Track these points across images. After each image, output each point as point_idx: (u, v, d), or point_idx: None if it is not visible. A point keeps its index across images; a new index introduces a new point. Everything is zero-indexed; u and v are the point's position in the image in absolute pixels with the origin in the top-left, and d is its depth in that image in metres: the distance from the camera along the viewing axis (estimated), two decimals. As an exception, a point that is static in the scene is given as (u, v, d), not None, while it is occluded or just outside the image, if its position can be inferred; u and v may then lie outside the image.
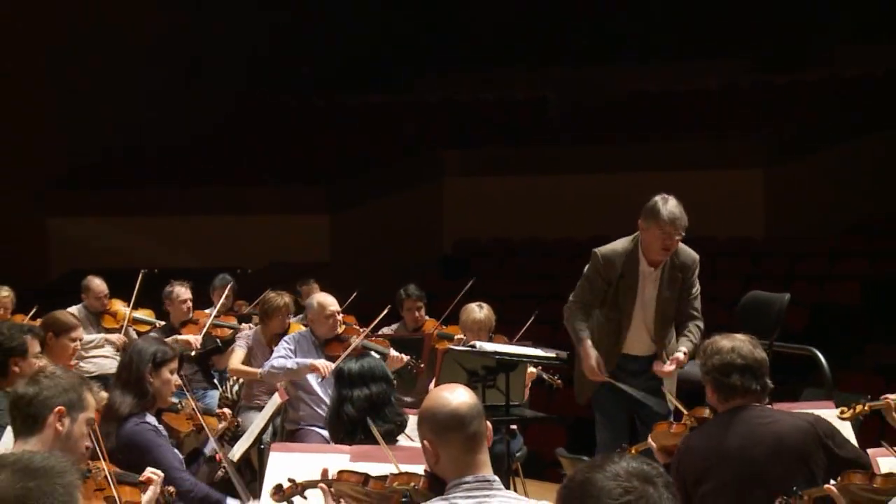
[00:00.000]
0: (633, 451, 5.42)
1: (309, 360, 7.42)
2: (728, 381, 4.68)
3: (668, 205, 6.91)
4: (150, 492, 4.35)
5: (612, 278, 7.06)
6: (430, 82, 21.14)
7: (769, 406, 4.81)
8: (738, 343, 4.72)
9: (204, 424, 5.99)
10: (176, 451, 5.68)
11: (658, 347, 6.93)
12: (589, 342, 6.95)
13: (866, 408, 5.39)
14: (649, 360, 7.05)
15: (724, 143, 16.94)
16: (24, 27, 17.97)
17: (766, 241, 16.19)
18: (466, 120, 20.09)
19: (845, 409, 5.38)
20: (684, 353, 6.84)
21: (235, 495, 5.82)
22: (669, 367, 6.84)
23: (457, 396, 3.75)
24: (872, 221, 16.16)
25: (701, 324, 7.10)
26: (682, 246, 7.13)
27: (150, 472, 4.45)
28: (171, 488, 4.77)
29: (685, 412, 5.43)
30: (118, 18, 18.95)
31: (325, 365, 7.36)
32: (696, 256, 7.21)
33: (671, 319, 7.12)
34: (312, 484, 4.21)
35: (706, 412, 5.14)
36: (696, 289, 7.17)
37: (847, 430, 5.16)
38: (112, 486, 4.23)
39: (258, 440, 6.69)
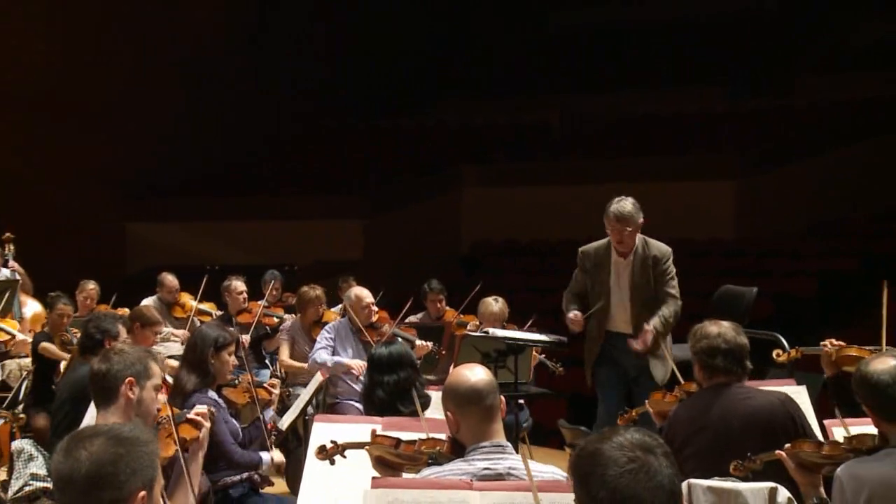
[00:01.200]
0: (633, 413, 5.64)
1: (346, 361, 7.47)
2: (713, 362, 4.68)
3: (619, 204, 7.11)
4: (205, 429, 4.39)
5: (588, 268, 7.27)
6: (452, 108, 21.15)
7: (747, 385, 4.78)
8: (723, 329, 4.72)
9: (256, 397, 6.00)
10: (234, 421, 5.69)
11: (636, 326, 7.04)
12: (572, 313, 7.19)
13: (798, 353, 5.40)
14: (633, 337, 7.15)
15: (701, 159, 16.95)
16: (114, 58, 18.04)
17: (737, 241, 16.20)
18: (482, 140, 20.12)
19: (780, 352, 5.41)
20: (652, 327, 6.96)
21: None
22: (639, 343, 6.97)
23: (475, 374, 3.81)
24: (826, 225, 16.13)
25: (675, 303, 7.17)
26: (653, 241, 7.27)
27: (197, 411, 4.49)
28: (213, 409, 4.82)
29: (681, 381, 5.46)
30: (195, 54, 19.04)
31: (359, 365, 7.40)
32: (668, 249, 7.30)
33: (648, 302, 7.15)
34: (352, 445, 4.21)
35: (693, 386, 5.14)
36: (670, 275, 7.22)
37: (806, 405, 5.09)
38: (174, 427, 4.28)
39: (303, 412, 6.71)
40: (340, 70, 20.92)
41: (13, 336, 8.74)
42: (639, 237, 7.23)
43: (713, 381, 4.70)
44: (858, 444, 4.06)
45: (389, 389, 5.16)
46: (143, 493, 2.64)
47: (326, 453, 4.27)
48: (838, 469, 3.93)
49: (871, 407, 3.99)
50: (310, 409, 6.90)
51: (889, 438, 3.94)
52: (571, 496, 2.94)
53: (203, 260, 10.66)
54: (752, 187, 16.71)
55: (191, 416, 4.45)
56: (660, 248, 7.29)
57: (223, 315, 9.74)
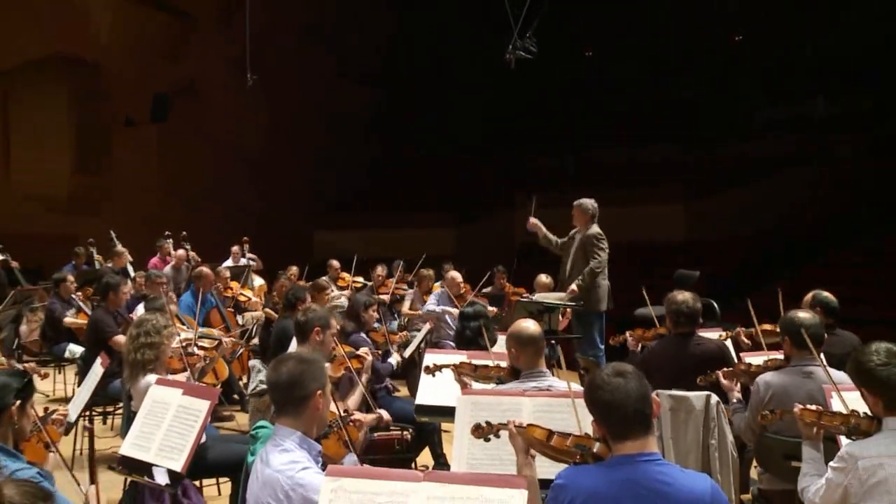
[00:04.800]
0: (619, 337, 5.58)
1: (426, 327, 7.43)
2: (679, 319, 4.65)
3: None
4: (368, 362, 4.53)
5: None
6: (508, 156, 21.04)
7: (700, 334, 4.75)
8: (687, 297, 4.67)
9: (390, 340, 6.02)
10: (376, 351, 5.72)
11: None
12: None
13: (730, 334, 5.32)
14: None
15: (662, 189, 16.72)
16: (304, 123, 18.34)
17: (685, 243, 15.98)
18: (527, 176, 19.95)
19: (724, 333, 5.35)
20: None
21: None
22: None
23: (532, 325, 3.79)
24: (744, 233, 15.80)
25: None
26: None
27: (363, 351, 4.63)
28: (380, 351, 4.87)
29: (657, 326, 5.40)
30: (353, 122, 19.28)
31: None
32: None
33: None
34: (446, 366, 4.25)
35: (663, 330, 5.11)
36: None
37: (729, 344, 5.07)
38: (347, 359, 4.36)
39: (418, 347, 6.70)
40: (441, 134, 20.99)
41: (249, 298, 8.94)
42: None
43: (678, 330, 4.66)
44: (771, 364, 4.08)
45: (473, 330, 5.19)
46: (319, 391, 2.70)
47: (431, 370, 4.33)
48: (756, 378, 3.95)
49: (789, 338, 3.91)
50: (422, 345, 6.92)
51: (791, 359, 3.91)
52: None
53: (355, 252, 10.72)
54: (695, 208, 16.54)
55: (359, 353, 4.58)
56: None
57: (370, 286, 9.82)
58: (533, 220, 7.62)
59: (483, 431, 2.86)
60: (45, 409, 3.59)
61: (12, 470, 2.57)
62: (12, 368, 3.72)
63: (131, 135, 16.09)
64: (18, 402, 2.87)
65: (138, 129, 16.19)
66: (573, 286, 6.97)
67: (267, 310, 8.52)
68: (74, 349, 7.53)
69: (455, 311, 7.60)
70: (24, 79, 14.61)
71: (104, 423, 6.68)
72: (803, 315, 3.89)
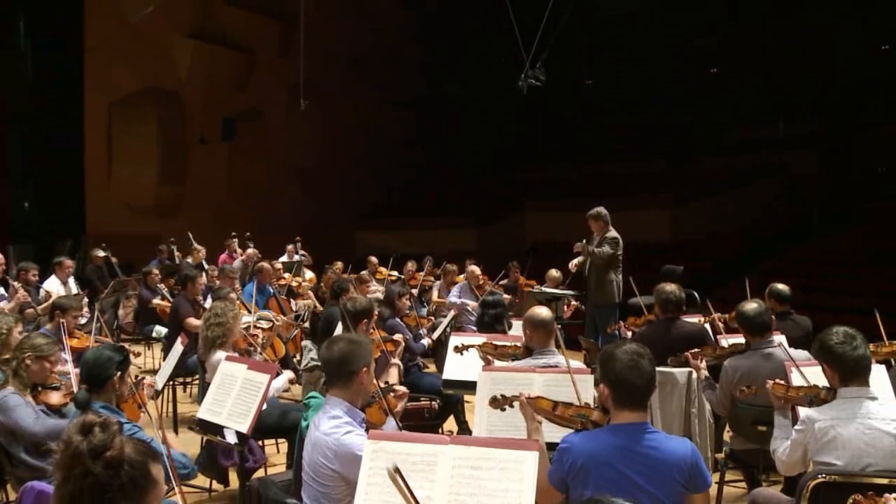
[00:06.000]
0: (614, 326, 5.57)
1: (451, 313, 7.38)
2: (666, 306, 4.60)
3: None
4: (401, 347, 4.51)
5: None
6: (519, 168, 20.88)
7: (683, 319, 4.69)
8: (673, 288, 4.66)
9: (420, 324, 6.01)
10: (409, 333, 5.72)
11: None
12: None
13: (708, 318, 5.25)
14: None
15: (651, 197, 16.53)
16: (348, 138, 18.36)
17: (671, 242, 15.83)
18: (537, 185, 19.82)
19: (702, 317, 5.29)
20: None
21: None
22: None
23: (545, 312, 3.80)
24: (721, 234, 15.60)
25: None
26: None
27: (397, 337, 4.57)
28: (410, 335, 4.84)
29: (646, 313, 5.35)
30: (389, 142, 19.26)
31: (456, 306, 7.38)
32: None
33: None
34: (471, 346, 4.20)
35: (652, 317, 5.06)
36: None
37: (707, 328, 5.00)
38: (382, 343, 4.33)
39: (444, 330, 6.69)
40: (463, 149, 20.88)
41: (300, 283, 8.98)
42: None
43: (665, 316, 4.61)
44: (735, 349, 4.02)
45: (492, 316, 5.17)
46: (365, 368, 2.68)
47: (459, 349, 4.31)
48: (725, 362, 3.89)
49: (742, 326, 3.90)
50: (448, 329, 6.92)
51: (751, 345, 3.87)
52: (590, 378, 2.89)
53: (390, 250, 10.76)
54: (680, 213, 16.34)
55: (393, 338, 4.56)
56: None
57: (401, 279, 9.82)
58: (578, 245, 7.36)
59: (499, 403, 2.87)
60: (135, 377, 3.66)
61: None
62: (112, 344, 3.79)
63: (205, 152, 16.41)
64: (119, 372, 3.02)
65: (211, 147, 16.48)
66: (578, 244, 6.99)
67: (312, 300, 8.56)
68: (160, 330, 7.65)
69: (473, 304, 7.59)
70: (122, 108, 15.09)
71: (184, 391, 6.76)
72: (749, 306, 3.86)
